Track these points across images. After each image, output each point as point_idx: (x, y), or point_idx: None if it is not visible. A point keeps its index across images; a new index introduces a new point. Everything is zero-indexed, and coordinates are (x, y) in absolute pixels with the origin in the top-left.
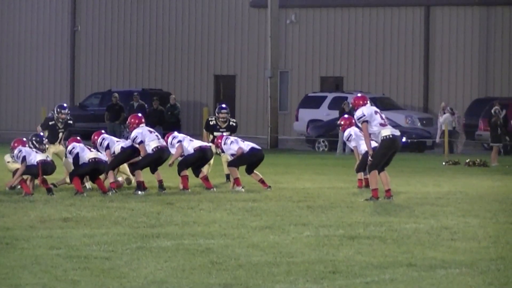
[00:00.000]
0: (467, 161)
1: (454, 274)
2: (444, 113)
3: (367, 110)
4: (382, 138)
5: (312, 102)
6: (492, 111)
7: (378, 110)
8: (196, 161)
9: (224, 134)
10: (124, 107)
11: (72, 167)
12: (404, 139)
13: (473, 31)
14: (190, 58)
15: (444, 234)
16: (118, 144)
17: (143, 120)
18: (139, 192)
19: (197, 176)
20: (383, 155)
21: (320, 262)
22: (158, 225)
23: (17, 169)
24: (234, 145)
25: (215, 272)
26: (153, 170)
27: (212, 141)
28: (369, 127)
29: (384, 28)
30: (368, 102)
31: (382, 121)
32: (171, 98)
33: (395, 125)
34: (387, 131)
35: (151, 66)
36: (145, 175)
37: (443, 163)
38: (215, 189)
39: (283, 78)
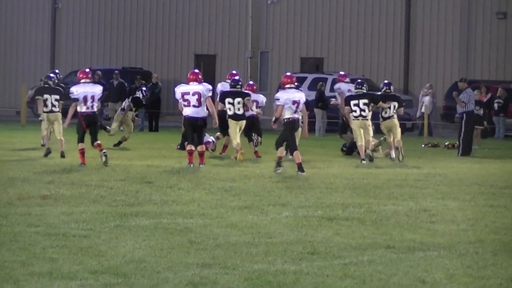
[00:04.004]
0: (446, 143)
1: (432, 257)
2: (427, 95)
3: (283, 95)
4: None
5: None
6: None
7: (296, 100)
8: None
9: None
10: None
11: None
12: None
13: (454, 12)
14: (171, 37)
15: (423, 216)
16: None
17: None
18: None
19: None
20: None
21: (298, 242)
22: (136, 204)
23: None
24: None
25: (194, 252)
26: None
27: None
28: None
29: (365, 9)
30: (292, 85)
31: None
32: (153, 77)
33: None
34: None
35: (132, 45)
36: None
37: (423, 145)
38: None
39: (263, 58)
